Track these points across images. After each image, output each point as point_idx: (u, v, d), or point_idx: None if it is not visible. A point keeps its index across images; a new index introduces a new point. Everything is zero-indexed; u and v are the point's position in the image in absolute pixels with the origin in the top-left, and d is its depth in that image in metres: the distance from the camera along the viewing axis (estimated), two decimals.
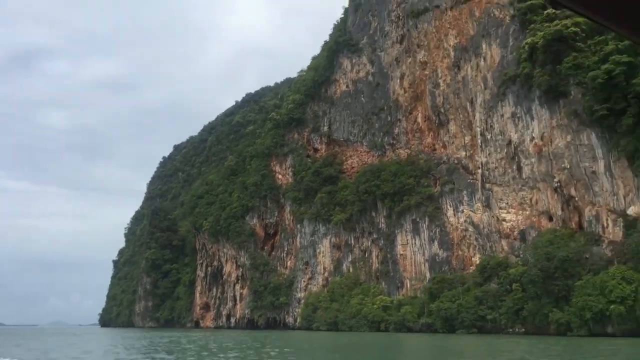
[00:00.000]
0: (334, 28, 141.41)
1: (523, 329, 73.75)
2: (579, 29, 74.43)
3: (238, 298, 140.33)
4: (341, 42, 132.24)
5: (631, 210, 67.02)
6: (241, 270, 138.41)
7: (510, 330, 75.07)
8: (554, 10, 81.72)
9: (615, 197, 69.08)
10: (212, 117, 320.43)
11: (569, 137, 74.48)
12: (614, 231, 68.66)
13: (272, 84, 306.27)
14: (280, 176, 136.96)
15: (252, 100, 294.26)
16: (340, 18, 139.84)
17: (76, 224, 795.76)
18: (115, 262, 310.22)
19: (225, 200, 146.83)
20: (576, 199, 74.51)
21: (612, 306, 60.95)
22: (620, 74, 64.80)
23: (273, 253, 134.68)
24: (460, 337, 75.21)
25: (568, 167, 74.80)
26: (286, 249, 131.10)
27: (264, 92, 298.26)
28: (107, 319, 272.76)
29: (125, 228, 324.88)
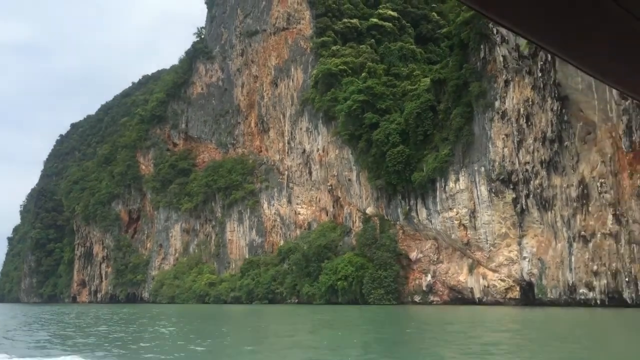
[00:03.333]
0: (197, 33, 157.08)
1: (296, 300, 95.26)
2: (346, 67, 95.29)
3: (104, 276, 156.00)
4: (198, 49, 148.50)
5: (368, 210, 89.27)
6: (106, 251, 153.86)
7: (289, 300, 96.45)
8: (339, 47, 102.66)
9: (361, 199, 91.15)
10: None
11: (337, 151, 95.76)
12: (358, 225, 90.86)
13: (168, 66, 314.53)
14: (143, 167, 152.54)
15: (148, 82, 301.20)
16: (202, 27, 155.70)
17: None
18: (10, 239, 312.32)
19: (95, 187, 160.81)
20: (341, 199, 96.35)
21: (339, 282, 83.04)
22: (357, 109, 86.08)
23: (135, 236, 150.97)
24: (254, 306, 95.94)
25: (336, 174, 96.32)
26: (146, 232, 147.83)
27: (160, 74, 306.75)
28: (0, 295, 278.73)
29: (21, 205, 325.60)
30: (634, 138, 53.92)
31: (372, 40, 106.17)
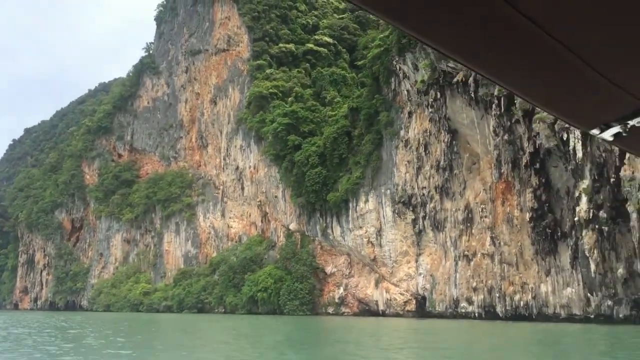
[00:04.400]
0: (145, 48, 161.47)
1: (223, 310, 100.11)
2: (276, 91, 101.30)
3: (44, 283, 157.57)
4: (146, 63, 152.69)
5: (291, 226, 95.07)
6: (48, 258, 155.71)
7: (216, 310, 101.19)
8: (273, 71, 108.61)
9: (285, 215, 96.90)
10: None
11: (266, 169, 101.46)
12: (282, 240, 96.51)
13: (124, 74, 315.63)
14: (88, 177, 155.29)
15: (104, 90, 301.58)
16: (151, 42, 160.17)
17: None
18: None
19: (39, 195, 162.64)
20: (269, 214, 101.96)
21: (259, 293, 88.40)
22: (282, 131, 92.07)
23: (77, 244, 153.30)
24: (181, 315, 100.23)
25: (265, 191, 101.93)
26: (88, 241, 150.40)
27: (116, 82, 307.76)
28: None
29: None
30: (502, 170, 61.20)
31: (307, 64, 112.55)
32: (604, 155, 50.76)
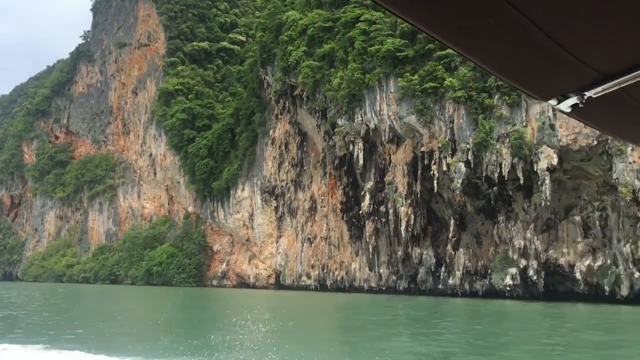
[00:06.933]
0: (83, 36, 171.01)
1: (130, 281, 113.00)
2: (182, 87, 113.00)
3: None
4: (82, 51, 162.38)
5: (190, 209, 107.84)
6: None
7: (125, 281, 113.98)
8: (183, 67, 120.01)
9: (185, 199, 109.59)
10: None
11: (171, 158, 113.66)
12: (182, 221, 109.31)
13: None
14: (27, 156, 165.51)
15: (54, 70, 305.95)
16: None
17: None
18: None
19: None
20: (174, 198, 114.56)
21: (154, 267, 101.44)
22: (180, 125, 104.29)
23: (16, 220, 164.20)
24: (96, 285, 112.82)
25: (170, 177, 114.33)
26: (26, 216, 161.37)
27: (56, 67, 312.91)
28: None
29: None
30: (327, 169, 74.56)
31: (220, 61, 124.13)
32: (383, 162, 64.34)
